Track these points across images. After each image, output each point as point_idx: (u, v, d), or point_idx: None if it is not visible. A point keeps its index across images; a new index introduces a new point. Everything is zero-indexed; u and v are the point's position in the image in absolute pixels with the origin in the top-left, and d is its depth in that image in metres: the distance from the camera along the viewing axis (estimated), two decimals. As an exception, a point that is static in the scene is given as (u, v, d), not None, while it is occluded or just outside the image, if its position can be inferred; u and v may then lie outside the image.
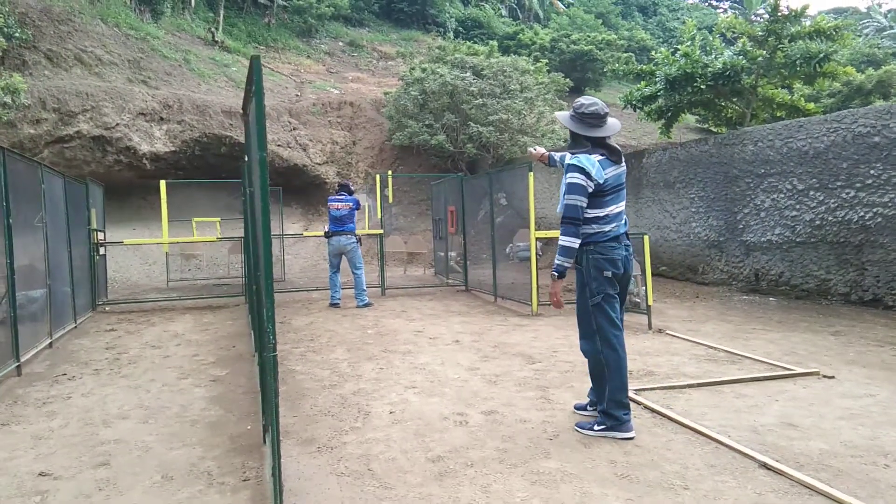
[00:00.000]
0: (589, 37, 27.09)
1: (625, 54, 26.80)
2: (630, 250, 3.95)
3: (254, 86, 2.36)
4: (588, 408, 4.13)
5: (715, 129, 16.64)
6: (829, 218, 8.23)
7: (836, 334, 6.54)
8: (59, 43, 15.74)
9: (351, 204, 9.31)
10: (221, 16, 23.62)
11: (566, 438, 3.73)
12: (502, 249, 10.36)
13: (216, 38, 22.18)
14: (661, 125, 13.95)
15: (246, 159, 3.69)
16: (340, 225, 9.27)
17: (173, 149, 15.70)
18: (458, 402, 4.51)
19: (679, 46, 12.57)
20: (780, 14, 11.64)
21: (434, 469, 3.34)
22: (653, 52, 15.01)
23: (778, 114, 12.93)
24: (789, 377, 4.93)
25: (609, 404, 3.75)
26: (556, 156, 4.29)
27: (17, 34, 14.27)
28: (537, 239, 8.52)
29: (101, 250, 10.00)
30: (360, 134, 19.85)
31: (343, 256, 9.46)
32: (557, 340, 6.53)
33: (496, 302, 9.54)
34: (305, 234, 13.22)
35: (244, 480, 3.26)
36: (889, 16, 35.34)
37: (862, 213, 7.80)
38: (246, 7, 26.17)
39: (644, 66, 13.73)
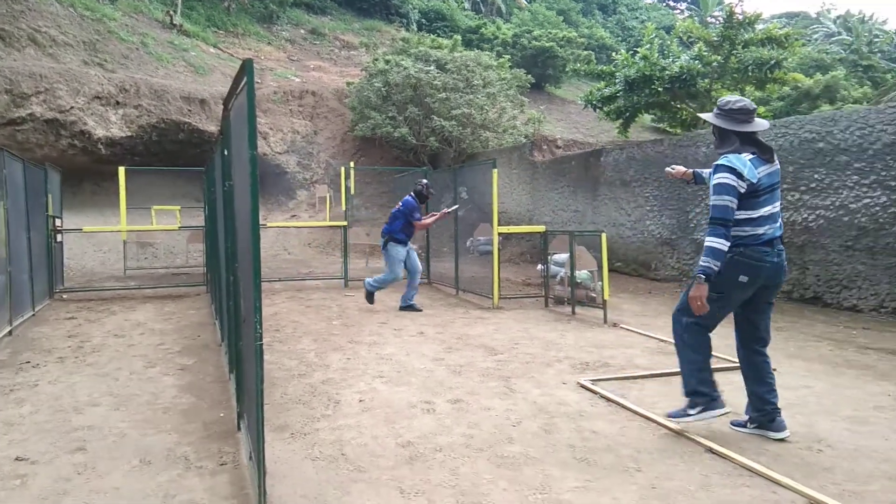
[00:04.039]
0: (550, 33, 27.42)
1: (584, 52, 27.25)
2: (783, 256, 3.66)
3: (245, 87, 2.48)
4: (748, 425, 3.85)
5: (670, 130, 17.16)
6: (775, 219, 8.66)
7: (779, 330, 6.91)
8: (12, 22, 15.29)
9: (399, 204, 8.47)
10: (180, -2, 23.19)
11: (528, 425, 3.94)
12: (463, 243, 10.57)
13: (174, 22, 21.78)
14: (619, 125, 14.35)
15: (225, 153, 3.78)
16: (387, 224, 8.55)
17: (129, 134, 15.45)
18: (425, 390, 4.68)
19: (638, 48, 12.94)
20: (734, 20, 12.11)
21: (405, 453, 3.51)
22: (613, 54, 15.37)
23: (730, 117, 13.41)
24: (736, 369, 5.24)
25: (688, 391, 3.78)
26: (704, 172, 4.06)
27: (-34, 11, 13.83)
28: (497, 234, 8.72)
29: (59, 237, 9.84)
30: (322, 124, 19.80)
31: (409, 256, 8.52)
32: (518, 333, 6.76)
33: (458, 295, 9.74)
34: (269, 224, 13.14)
35: (221, 464, 3.38)
36: (838, 22, 36.72)
37: (805, 215, 8.24)
38: (205, -10, 25.71)
39: (604, 67, 14.11)
